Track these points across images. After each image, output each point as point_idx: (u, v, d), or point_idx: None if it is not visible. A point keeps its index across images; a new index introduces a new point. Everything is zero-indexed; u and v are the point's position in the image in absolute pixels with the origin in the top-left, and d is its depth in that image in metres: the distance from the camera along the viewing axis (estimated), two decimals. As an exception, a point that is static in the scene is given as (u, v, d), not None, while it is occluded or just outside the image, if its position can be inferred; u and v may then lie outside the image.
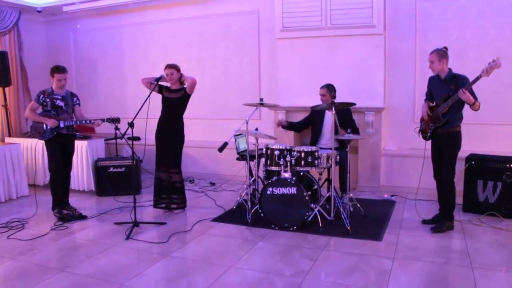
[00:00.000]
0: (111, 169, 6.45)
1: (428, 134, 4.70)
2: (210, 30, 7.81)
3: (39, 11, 8.60)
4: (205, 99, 7.84)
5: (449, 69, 4.56)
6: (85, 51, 9.10)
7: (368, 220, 5.03)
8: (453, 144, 4.55)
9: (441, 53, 4.52)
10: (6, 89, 8.08)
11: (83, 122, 5.27)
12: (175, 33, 8.11)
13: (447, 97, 4.44)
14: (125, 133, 4.94)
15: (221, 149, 5.02)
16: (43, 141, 5.38)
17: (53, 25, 9.36)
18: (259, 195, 4.90)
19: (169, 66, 5.35)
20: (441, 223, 4.63)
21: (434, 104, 4.69)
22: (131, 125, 4.84)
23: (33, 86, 8.46)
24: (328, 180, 5.20)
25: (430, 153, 4.81)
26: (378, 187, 6.35)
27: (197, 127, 7.77)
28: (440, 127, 4.55)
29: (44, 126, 5.21)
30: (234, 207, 5.50)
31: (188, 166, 7.48)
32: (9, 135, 7.90)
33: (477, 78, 4.19)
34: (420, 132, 4.86)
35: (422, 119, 4.85)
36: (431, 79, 4.80)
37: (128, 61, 8.60)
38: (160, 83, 5.32)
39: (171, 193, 5.49)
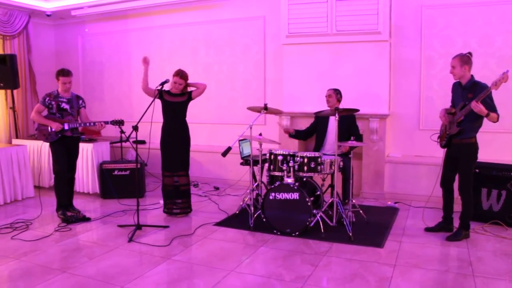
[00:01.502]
0: (116, 172, 6.50)
1: (444, 143, 4.65)
2: (216, 35, 7.87)
3: (48, 15, 8.70)
4: (211, 104, 7.89)
5: (471, 76, 4.46)
6: (93, 55, 9.19)
7: (371, 227, 5.02)
8: (467, 157, 4.48)
9: (464, 59, 4.42)
10: (14, 91, 8.17)
11: (87, 124, 5.32)
12: (181, 38, 8.17)
13: (463, 106, 4.39)
14: (129, 136, 4.97)
15: (224, 154, 5.03)
16: (48, 143, 5.42)
17: (62, 29, 9.46)
18: (262, 200, 4.90)
19: (179, 76, 5.33)
20: (458, 232, 4.58)
21: (454, 111, 4.60)
22: (135, 128, 4.87)
23: (41, 89, 8.53)
24: (331, 186, 5.20)
25: (443, 160, 4.76)
26: (381, 194, 6.34)
27: (202, 131, 7.80)
28: (455, 136, 4.50)
29: (49, 128, 5.26)
30: (237, 212, 5.52)
31: (192, 170, 7.45)
32: (16, 137, 7.99)
33: (487, 91, 4.16)
34: (439, 139, 4.80)
35: (442, 125, 4.76)
36: (454, 85, 4.69)
37: (135, 65, 8.65)
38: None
39: (176, 197, 5.51)
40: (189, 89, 5.47)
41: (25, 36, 8.54)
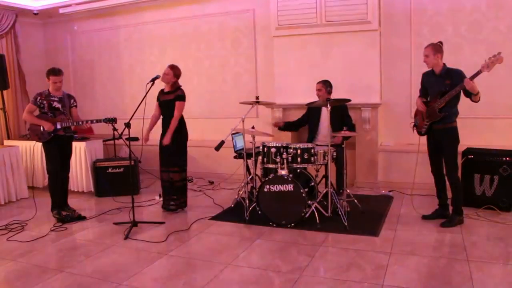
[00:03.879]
0: (110, 170, 6.49)
1: (424, 130, 4.71)
2: (206, 29, 7.84)
3: (35, 14, 8.61)
4: (203, 98, 7.89)
5: (444, 64, 4.56)
6: (83, 52, 9.13)
7: (366, 216, 5.06)
8: (451, 140, 4.56)
9: (436, 47, 4.52)
10: (4, 92, 8.10)
11: (80, 123, 5.30)
12: (171, 33, 8.14)
13: (443, 93, 4.44)
14: (122, 133, 4.97)
15: (217, 148, 5.06)
16: (41, 143, 5.40)
17: (50, 27, 9.39)
18: (256, 193, 4.92)
19: (170, 67, 5.39)
20: (451, 218, 4.63)
21: (429, 99, 4.69)
22: (127, 125, 4.88)
23: (31, 88, 8.46)
24: (325, 177, 5.22)
25: (427, 148, 4.82)
26: (375, 183, 6.38)
27: (195, 126, 7.75)
28: (436, 122, 4.56)
29: (41, 128, 5.24)
30: (232, 205, 5.54)
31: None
32: (8, 138, 7.94)
33: (478, 73, 4.18)
34: (415, 128, 4.87)
35: (416, 115, 4.85)
36: (425, 75, 4.80)
37: (125, 62, 8.63)
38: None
39: (172, 193, 5.54)
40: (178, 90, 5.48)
41: (12, 36, 8.47)
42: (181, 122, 5.47)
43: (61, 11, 8.40)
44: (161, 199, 5.77)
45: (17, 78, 8.59)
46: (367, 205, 5.40)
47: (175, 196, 5.55)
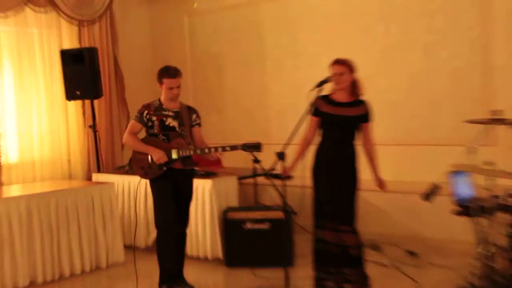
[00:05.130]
0: (248, 225, 6.53)
1: None
2: (400, 1, 7.70)
3: (139, -12, 9.24)
4: (395, 114, 7.71)
5: None
6: (206, 42, 9.53)
7: None
8: None
9: None
10: (95, 101, 8.46)
11: (206, 151, 5.37)
12: (341, 8, 8.17)
13: None
14: (271, 168, 4.92)
15: (428, 196, 4.98)
16: (147, 181, 5.58)
17: (159, 7, 9.98)
18: (500, 278, 4.58)
19: (337, 62, 5.34)
20: None
21: None
22: (280, 156, 4.83)
23: (132, 96, 8.96)
24: None
25: None
26: None
27: (382, 158, 7.55)
28: None
29: (149, 158, 5.40)
30: (454, 297, 5.24)
31: (367, 223, 7.23)
32: (99, 170, 8.40)
33: None
34: None
35: None
36: None
37: (270, 55, 8.81)
38: None
39: (343, 265, 5.39)
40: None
41: (108, 21, 9.08)
42: (356, 154, 5.43)
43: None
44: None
45: (113, 82, 9.12)
46: None
47: (348, 271, 5.37)
